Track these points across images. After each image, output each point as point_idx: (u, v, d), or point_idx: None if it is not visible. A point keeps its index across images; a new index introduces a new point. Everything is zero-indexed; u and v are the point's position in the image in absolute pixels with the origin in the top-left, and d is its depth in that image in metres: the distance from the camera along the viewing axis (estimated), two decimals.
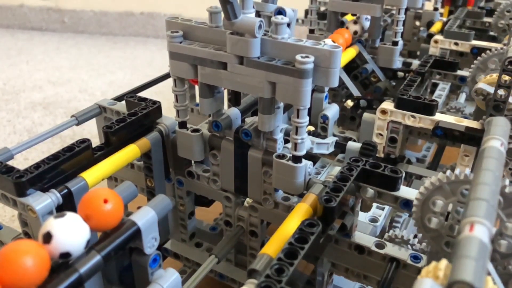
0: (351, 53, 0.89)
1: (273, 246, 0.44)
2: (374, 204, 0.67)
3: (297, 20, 1.18)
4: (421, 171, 0.80)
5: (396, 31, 0.88)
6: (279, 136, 0.58)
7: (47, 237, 0.35)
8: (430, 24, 1.16)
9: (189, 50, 0.55)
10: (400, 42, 0.91)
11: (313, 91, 0.75)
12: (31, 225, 0.51)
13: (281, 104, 0.56)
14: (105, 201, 0.38)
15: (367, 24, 0.89)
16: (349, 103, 0.88)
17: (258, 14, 0.63)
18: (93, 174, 0.54)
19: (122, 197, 0.44)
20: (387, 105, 0.71)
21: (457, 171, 0.44)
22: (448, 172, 0.44)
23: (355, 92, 0.89)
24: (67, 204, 0.51)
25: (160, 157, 0.64)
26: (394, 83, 0.94)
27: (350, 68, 0.93)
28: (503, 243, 0.42)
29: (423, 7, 1.19)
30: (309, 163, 0.57)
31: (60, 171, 0.53)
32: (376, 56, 0.93)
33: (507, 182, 0.41)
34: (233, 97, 0.59)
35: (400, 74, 0.92)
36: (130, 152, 0.59)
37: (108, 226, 0.39)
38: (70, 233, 0.35)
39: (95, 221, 0.38)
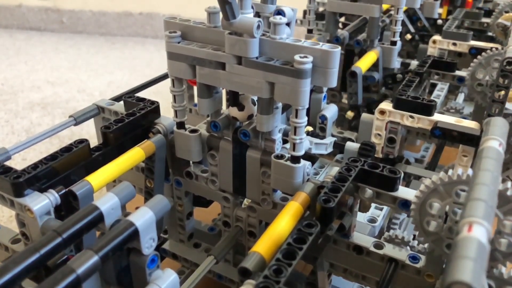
0: (372, 57, 0.89)
1: (264, 245, 0.44)
2: (373, 205, 0.67)
3: (296, 21, 1.18)
4: (420, 171, 0.80)
5: (394, 31, 0.88)
6: (278, 136, 0.58)
7: None
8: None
9: (187, 50, 0.55)
10: (399, 42, 0.91)
11: (311, 91, 0.75)
12: (29, 225, 0.50)
13: (280, 104, 0.56)
14: None
15: None
16: (350, 113, 0.89)
17: (258, 15, 0.63)
18: (98, 178, 0.54)
19: (120, 198, 0.44)
20: (386, 105, 0.71)
21: (450, 172, 0.44)
22: (442, 173, 0.44)
23: (361, 101, 0.89)
24: (66, 205, 0.51)
25: (162, 159, 0.64)
26: (391, 85, 0.94)
27: None
28: (503, 242, 0.42)
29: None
30: (308, 163, 0.57)
31: (58, 172, 0.52)
32: None
33: (499, 179, 0.41)
34: (231, 98, 0.59)
35: (399, 76, 0.92)
36: (135, 155, 0.59)
37: None
38: None
39: None
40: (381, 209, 0.69)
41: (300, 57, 0.48)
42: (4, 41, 2.26)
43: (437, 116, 0.68)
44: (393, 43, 0.90)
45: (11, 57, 2.05)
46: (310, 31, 0.98)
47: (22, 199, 0.49)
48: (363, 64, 0.86)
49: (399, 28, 0.88)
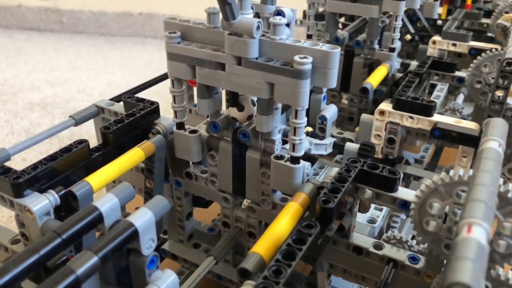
0: (383, 72, 0.89)
1: (263, 245, 0.44)
2: (372, 205, 0.67)
3: (296, 21, 1.18)
4: (419, 172, 0.80)
5: (393, 37, 0.89)
6: (277, 137, 0.58)
7: None
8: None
9: (187, 51, 0.55)
10: (398, 44, 0.91)
11: (311, 92, 0.75)
12: (28, 226, 0.50)
13: (279, 105, 0.56)
14: None
15: None
16: (357, 129, 0.89)
17: (257, 15, 0.63)
18: (98, 178, 0.53)
19: (119, 198, 0.44)
20: (385, 106, 0.71)
21: (451, 172, 0.44)
22: (443, 174, 0.44)
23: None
24: (66, 205, 0.51)
25: (162, 160, 0.64)
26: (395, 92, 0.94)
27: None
28: (502, 244, 0.42)
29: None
30: (307, 164, 0.57)
31: (58, 172, 0.52)
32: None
33: (501, 181, 0.41)
34: (231, 98, 0.59)
35: (401, 82, 0.92)
36: (135, 156, 0.59)
37: None
38: None
39: None
40: (380, 210, 0.69)
41: (300, 57, 0.48)
42: (4, 41, 2.26)
43: (436, 117, 0.68)
44: (392, 49, 0.90)
45: (10, 57, 2.05)
46: (309, 36, 0.98)
47: (21, 199, 0.49)
48: (374, 79, 0.86)
49: (397, 35, 0.88)
